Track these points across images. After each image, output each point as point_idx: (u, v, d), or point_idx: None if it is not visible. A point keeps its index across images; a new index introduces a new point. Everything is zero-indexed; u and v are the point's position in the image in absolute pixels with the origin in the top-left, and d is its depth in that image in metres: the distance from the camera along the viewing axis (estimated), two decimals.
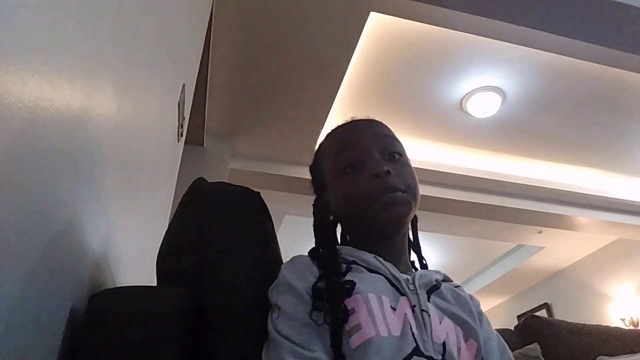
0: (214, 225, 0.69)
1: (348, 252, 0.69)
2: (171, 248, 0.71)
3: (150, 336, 0.55)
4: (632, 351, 1.95)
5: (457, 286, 0.72)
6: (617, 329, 2.18)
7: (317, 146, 0.80)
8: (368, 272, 0.65)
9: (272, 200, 0.79)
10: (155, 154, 1.26)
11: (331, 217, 0.75)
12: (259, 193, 0.76)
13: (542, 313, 5.30)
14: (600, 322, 3.03)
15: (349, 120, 0.77)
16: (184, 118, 1.86)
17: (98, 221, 0.69)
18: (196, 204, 0.72)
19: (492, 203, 3.62)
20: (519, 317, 5.56)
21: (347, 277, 0.62)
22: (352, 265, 0.66)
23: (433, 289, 0.66)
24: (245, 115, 2.96)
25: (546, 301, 5.45)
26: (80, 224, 0.59)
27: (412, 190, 0.69)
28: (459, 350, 0.59)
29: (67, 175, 0.54)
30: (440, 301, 0.65)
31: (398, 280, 0.64)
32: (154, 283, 0.71)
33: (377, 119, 0.78)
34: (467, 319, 0.64)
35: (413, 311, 0.60)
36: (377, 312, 0.58)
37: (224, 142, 3.09)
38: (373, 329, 0.56)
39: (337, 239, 0.76)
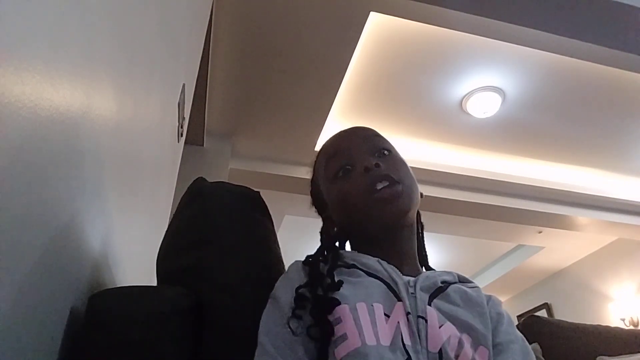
0: (215, 225, 0.69)
1: (350, 256, 0.68)
2: (171, 248, 0.71)
3: (150, 336, 0.55)
4: (632, 351, 1.95)
5: (474, 287, 0.68)
6: (617, 329, 2.17)
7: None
8: (366, 276, 0.63)
9: (272, 200, 0.79)
10: (155, 154, 1.26)
11: (335, 229, 0.73)
12: (258, 193, 0.77)
13: (542, 313, 5.29)
14: (600, 322, 3.02)
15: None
16: (184, 118, 1.86)
17: (98, 221, 0.69)
18: (196, 203, 0.72)
19: (492, 203, 3.62)
20: (519, 317, 5.55)
21: (341, 278, 0.61)
22: (350, 269, 0.64)
23: (437, 291, 0.63)
24: (245, 115, 2.96)
25: (546, 301, 5.44)
26: (80, 224, 0.59)
27: (406, 182, 0.68)
28: (457, 357, 0.56)
29: (67, 175, 0.53)
30: (444, 304, 0.61)
31: (396, 283, 0.61)
32: (154, 283, 0.71)
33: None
34: (474, 324, 0.60)
35: (408, 319, 0.57)
36: (365, 321, 0.56)
37: (224, 142, 3.09)
38: (359, 339, 0.54)
39: (340, 247, 0.74)
